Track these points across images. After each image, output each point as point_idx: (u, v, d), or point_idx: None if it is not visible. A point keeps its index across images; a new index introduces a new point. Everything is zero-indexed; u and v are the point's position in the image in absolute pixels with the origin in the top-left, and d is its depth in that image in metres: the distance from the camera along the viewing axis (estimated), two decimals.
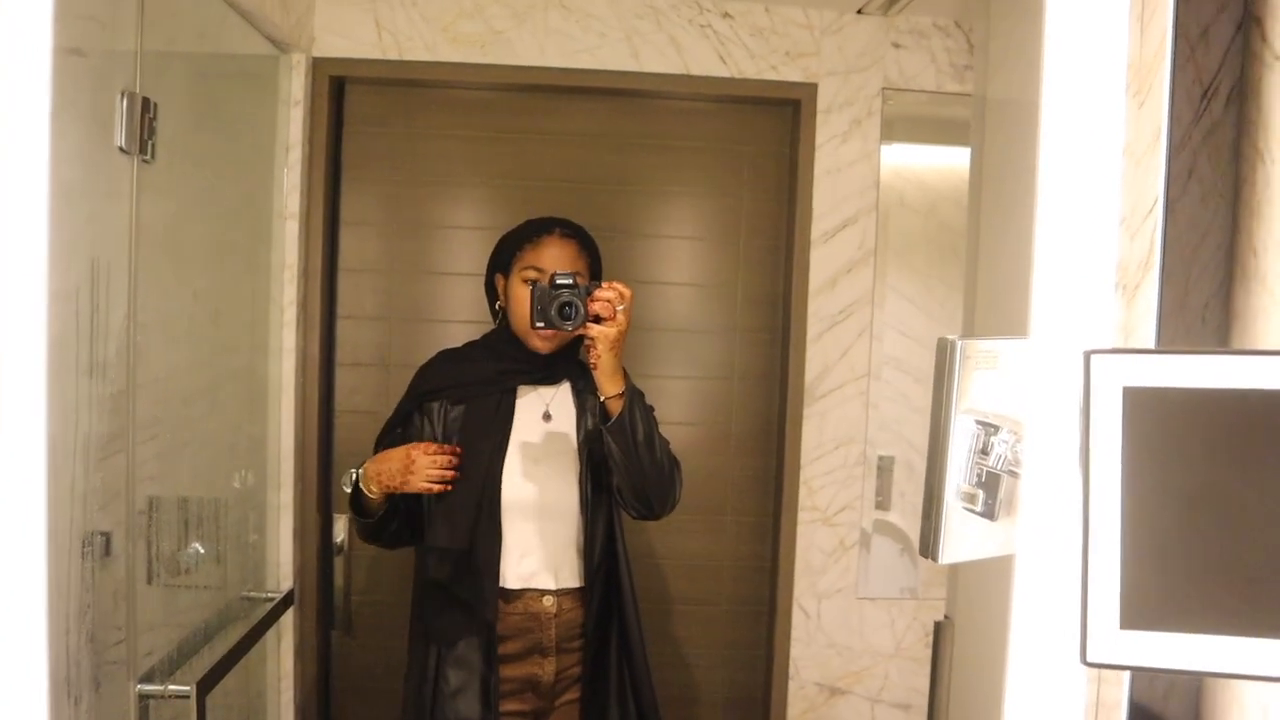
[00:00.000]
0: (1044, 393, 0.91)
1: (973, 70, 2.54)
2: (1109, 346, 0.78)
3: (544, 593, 1.92)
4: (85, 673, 1.52)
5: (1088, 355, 0.76)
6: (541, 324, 1.79)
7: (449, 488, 1.84)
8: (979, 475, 1.09)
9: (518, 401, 1.96)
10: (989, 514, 1.10)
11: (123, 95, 1.54)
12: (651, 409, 1.96)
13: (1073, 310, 0.87)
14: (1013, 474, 1.09)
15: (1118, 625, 0.74)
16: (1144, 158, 0.91)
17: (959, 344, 1.01)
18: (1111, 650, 0.74)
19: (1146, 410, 0.73)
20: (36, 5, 0.89)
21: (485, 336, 2.05)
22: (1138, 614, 0.73)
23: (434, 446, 1.84)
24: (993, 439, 1.09)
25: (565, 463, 1.95)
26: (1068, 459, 0.86)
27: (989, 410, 1.09)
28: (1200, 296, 1.03)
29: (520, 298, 1.88)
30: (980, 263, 1.79)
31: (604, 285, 1.77)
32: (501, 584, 1.89)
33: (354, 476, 1.89)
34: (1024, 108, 1.70)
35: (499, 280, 1.99)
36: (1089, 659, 0.75)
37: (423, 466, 1.81)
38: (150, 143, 1.63)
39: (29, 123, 0.88)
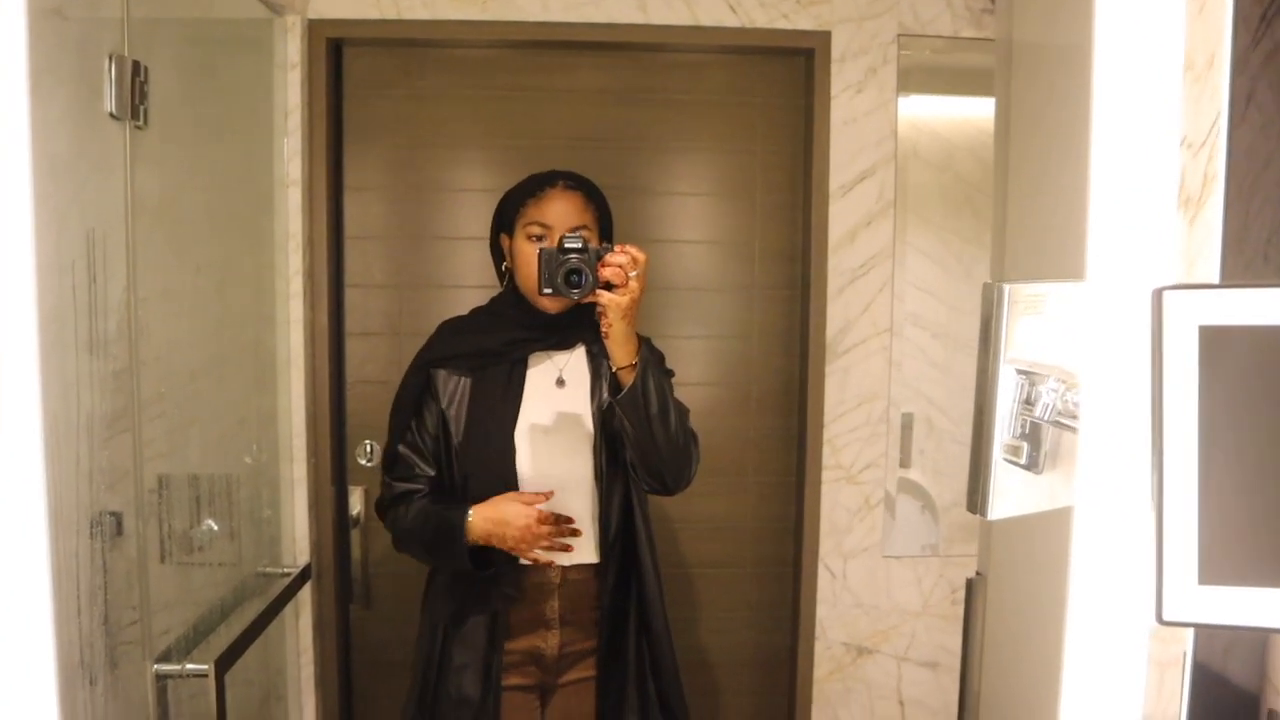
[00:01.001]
0: (1104, 335, 0.85)
1: (992, 14, 2.45)
2: (1179, 282, 0.72)
3: (550, 564, 1.84)
4: (100, 654, 1.48)
5: (1159, 293, 0.70)
6: (549, 291, 1.70)
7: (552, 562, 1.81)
8: (1023, 427, 1.04)
9: (529, 371, 1.87)
10: (1033, 466, 1.05)
11: (110, 59, 1.48)
12: (670, 374, 1.89)
13: (1133, 243, 0.81)
14: (1061, 425, 1.03)
15: (1195, 581, 0.69)
16: (1204, 74, 0.84)
17: (1006, 289, 0.95)
18: (1189, 608, 0.69)
19: (1224, 351, 0.67)
20: None
21: (492, 302, 1.97)
22: (1218, 569, 0.68)
23: (550, 515, 1.77)
24: (1039, 388, 1.03)
25: (579, 433, 1.86)
26: (1133, 406, 0.80)
27: (1033, 358, 1.03)
28: (1261, 230, 0.97)
29: (526, 256, 1.79)
30: (1010, 212, 1.72)
31: (616, 249, 1.67)
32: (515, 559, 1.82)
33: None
34: (1052, 51, 1.62)
35: (504, 240, 1.90)
36: (1165, 617, 0.69)
37: (541, 536, 1.76)
38: (142, 108, 1.56)
39: (7, 87, 0.83)
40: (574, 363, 1.90)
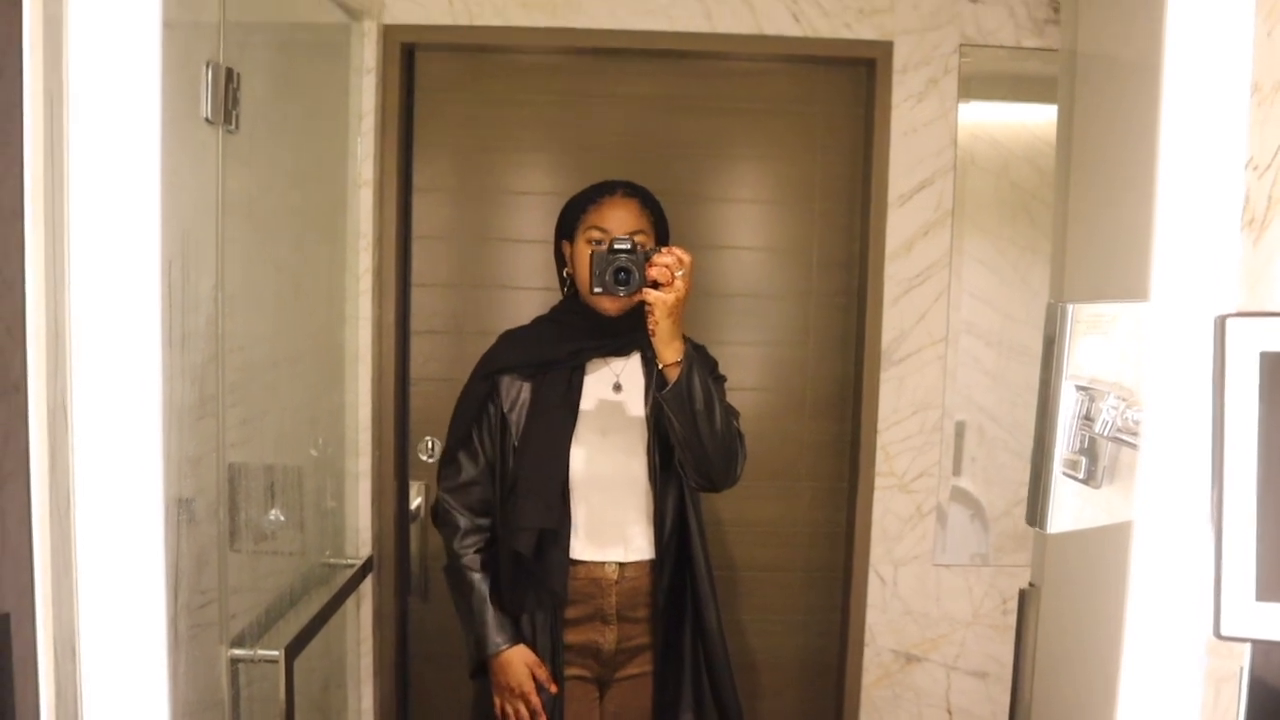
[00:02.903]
0: (1167, 355, 0.88)
1: (1055, 24, 2.46)
2: (1244, 310, 0.74)
3: (607, 561, 1.92)
4: (182, 636, 1.54)
5: (1222, 320, 0.73)
6: (599, 289, 1.78)
7: None
8: (1082, 442, 1.06)
9: (587, 377, 1.95)
10: (1091, 480, 1.07)
11: (208, 66, 1.55)
12: (722, 379, 1.95)
13: (1197, 263, 0.84)
14: (1120, 440, 1.05)
15: (1254, 597, 0.72)
16: (1270, 96, 0.86)
17: (1070, 309, 0.98)
18: (1247, 623, 0.72)
19: None
20: None
21: (553, 311, 2.05)
22: (1276, 585, 0.71)
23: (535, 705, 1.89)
24: (1099, 405, 1.06)
25: (634, 435, 1.94)
26: (1194, 425, 0.83)
27: (1094, 375, 1.05)
28: None
29: (586, 260, 1.86)
30: (1070, 224, 1.74)
31: (663, 250, 1.75)
32: (571, 555, 1.91)
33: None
34: (1118, 64, 1.64)
35: (565, 247, 1.98)
36: (1223, 632, 0.72)
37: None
38: (234, 113, 1.63)
39: (139, 99, 0.89)
40: (630, 368, 1.98)
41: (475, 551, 1.96)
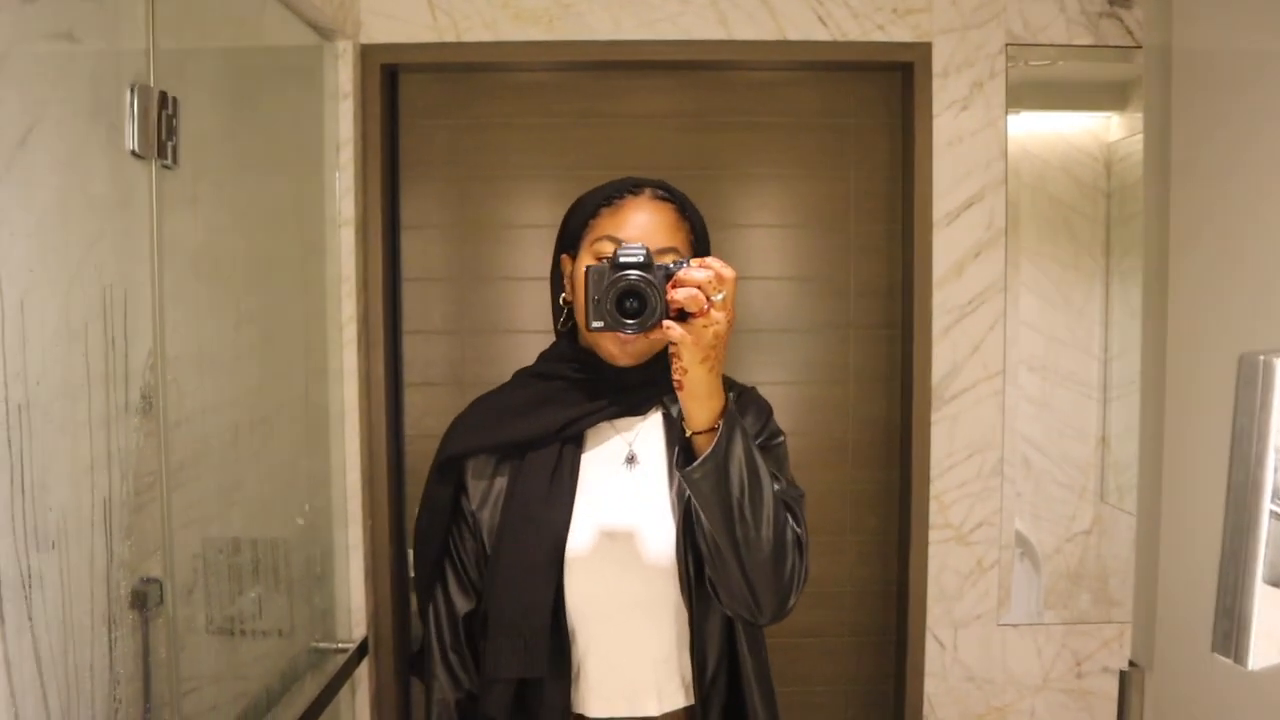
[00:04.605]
0: None
1: (1111, 18, 2.20)
2: None
3: (631, 718, 1.38)
4: None
5: None
6: (599, 324, 1.21)
7: None
8: None
9: (586, 452, 1.43)
10: (1273, 578, 0.80)
11: (132, 89, 1.28)
12: (779, 439, 1.43)
13: None
14: None
15: None
16: None
17: (1277, 364, 0.71)
18: None
19: None
20: None
21: (542, 359, 1.53)
22: None
23: None
24: None
25: (658, 532, 1.37)
26: None
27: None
28: None
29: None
30: (1175, 248, 1.47)
31: (693, 263, 1.19)
32: (578, 710, 1.39)
33: None
34: (1237, 57, 1.38)
35: (565, 263, 1.47)
36: None
37: None
38: (171, 145, 1.37)
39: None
40: (648, 432, 1.44)
41: None
